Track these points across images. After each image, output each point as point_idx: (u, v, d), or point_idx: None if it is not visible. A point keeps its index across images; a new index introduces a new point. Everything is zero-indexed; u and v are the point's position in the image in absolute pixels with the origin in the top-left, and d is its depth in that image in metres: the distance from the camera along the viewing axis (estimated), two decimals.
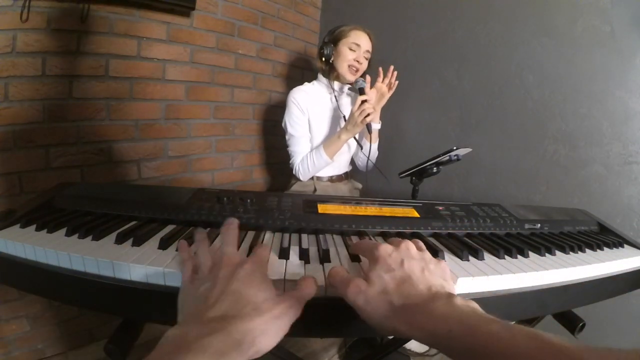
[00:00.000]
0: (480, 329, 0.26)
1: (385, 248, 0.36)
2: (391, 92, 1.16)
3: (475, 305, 0.29)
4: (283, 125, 1.22)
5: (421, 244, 0.40)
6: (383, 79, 1.14)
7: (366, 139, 1.21)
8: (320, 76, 1.24)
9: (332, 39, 1.18)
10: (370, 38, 1.18)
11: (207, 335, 0.26)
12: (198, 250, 0.38)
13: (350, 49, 1.15)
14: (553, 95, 1.15)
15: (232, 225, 0.41)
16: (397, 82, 1.15)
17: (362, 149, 1.23)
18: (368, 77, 1.10)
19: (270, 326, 0.29)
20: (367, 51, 1.17)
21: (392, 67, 1.14)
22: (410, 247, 0.37)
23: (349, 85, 1.24)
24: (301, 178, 1.20)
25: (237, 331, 0.27)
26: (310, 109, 1.20)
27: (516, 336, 0.24)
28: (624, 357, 0.19)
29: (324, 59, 1.18)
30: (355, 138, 1.19)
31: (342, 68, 1.16)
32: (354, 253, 0.43)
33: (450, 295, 0.31)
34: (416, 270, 0.34)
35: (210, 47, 1.38)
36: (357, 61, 1.15)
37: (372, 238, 0.52)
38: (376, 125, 1.21)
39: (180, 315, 0.33)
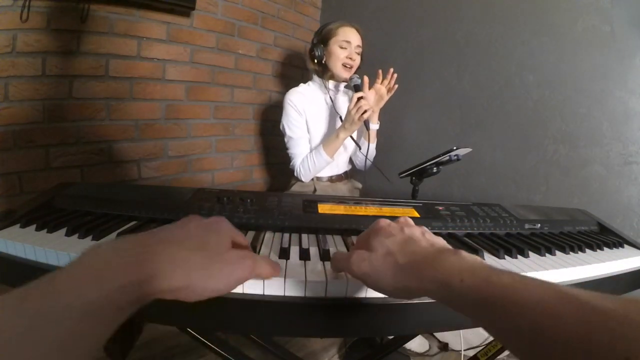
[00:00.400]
0: (493, 279, 0.25)
1: (384, 220, 0.37)
2: (390, 94, 1.16)
3: (482, 259, 0.29)
4: (281, 127, 1.22)
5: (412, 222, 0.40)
6: (382, 81, 1.13)
7: (364, 138, 1.21)
8: (314, 76, 1.24)
9: (321, 39, 1.17)
10: (358, 32, 1.17)
11: (145, 245, 0.26)
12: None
13: (341, 47, 1.14)
14: (553, 95, 1.15)
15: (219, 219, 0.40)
16: (396, 85, 1.15)
17: (360, 149, 1.23)
18: (366, 78, 1.10)
19: (213, 268, 0.28)
20: (358, 46, 1.17)
21: (391, 70, 1.13)
22: (408, 219, 0.37)
23: (345, 84, 1.24)
24: (303, 179, 1.20)
25: (170, 253, 0.27)
26: (307, 109, 1.20)
27: (529, 285, 0.23)
28: (635, 301, 0.19)
29: (316, 60, 1.17)
30: (352, 138, 1.19)
31: (336, 67, 1.16)
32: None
33: (455, 250, 0.30)
34: (417, 233, 0.34)
35: (210, 47, 1.38)
36: (350, 58, 1.14)
37: None
38: (374, 126, 1.21)
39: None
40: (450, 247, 0.32)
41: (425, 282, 0.28)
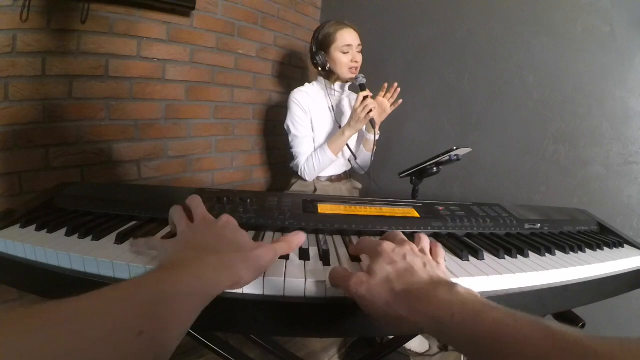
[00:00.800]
0: (483, 315, 0.25)
1: (389, 244, 0.37)
2: (393, 108, 1.14)
3: (477, 293, 0.29)
4: (286, 127, 1.22)
5: (426, 243, 0.40)
6: (385, 94, 1.12)
7: (364, 146, 1.22)
8: (319, 77, 1.24)
9: (321, 46, 1.16)
10: (355, 31, 1.16)
11: (204, 255, 0.32)
12: (172, 213, 0.41)
13: (344, 52, 1.13)
14: (553, 95, 1.15)
15: (194, 197, 0.43)
16: (400, 100, 1.14)
17: (356, 159, 1.24)
18: (369, 93, 1.09)
19: (251, 262, 0.34)
20: (359, 45, 1.16)
21: (395, 84, 1.12)
22: (413, 247, 0.38)
23: (349, 84, 1.24)
24: (307, 178, 1.20)
25: (226, 258, 0.32)
26: (312, 109, 1.20)
27: (519, 322, 0.24)
28: (626, 344, 0.19)
29: (320, 68, 1.18)
30: (349, 148, 1.21)
31: (343, 73, 1.15)
32: (355, 254, 0.43)
33: (452, 283, 0.31)
34: (418, 263, 0.34)
35: (210, 47, 1.38)
36: (355, 61, 1.14)
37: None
38: (374, 136, 1.21)
39: (166, 257, 0.35)
40: (447, 280, 0.33)
41: (417, 314, 0.29)
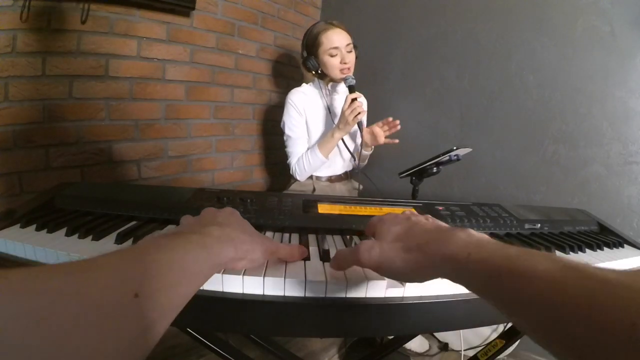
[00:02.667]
0: (498, 252, 0.26)
1: (391, 213, 0.39)
2: (386, 142, 1.14)
3: (489, 237, 0.30)
4: (281, 126, 1.23)
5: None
6: (383, 125, 1.12)
7: (356, 159, 1.23)
8: (315, 79, 1.24)
9: (310, 51, 1.15)
10: (343, 29, 1.13)
11: (209, 226, 0.33)
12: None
13: (332, 55, 1.11)
14: (553, 95, 1.15)
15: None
16: (396, 140, 1.13)
17: (354, 160, 1.25)
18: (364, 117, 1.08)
19: (255, 242, 0.36)
20: (348, 44, 1.12)
21: (397, 122, 1.10)
22: (413, 211, 0.40)
23: (343, 84, 1.24)
24: (298, 178, 1.21)
25: (230, 232, 0.34)
26: (307, 109, 1.20)
27: (535, 257, 0.24)
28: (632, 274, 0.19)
29: (313, 72, 1.18)
30: (348, 149, 1.21)
31: (334, 74, 1.14)
32: (368, 233, 0.43)
33: (464, 228, 0.31)
34: (422, 220, 0.35)
35: (210, 47, 1.38)
36: (344, 62, 1.12)
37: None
38: (367, 152, 1.23)
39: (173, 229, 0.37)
40: (457, 227, 0.33)
41: (435, 259, 0.29)
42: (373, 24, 1.62)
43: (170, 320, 0.24)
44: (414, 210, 0.40)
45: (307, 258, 0.42)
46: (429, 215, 0.37)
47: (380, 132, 1.12)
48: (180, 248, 0.27)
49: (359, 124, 1.07)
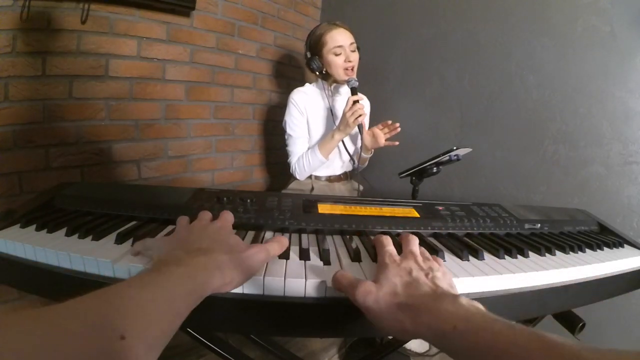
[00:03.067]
0: (484, 327, 0.26)
1: (395, 256, 0.39)
2: (386, 144, 1.14)
3: (480, 305, 0.30)
4: (283, 125, 1.23)
5: (427, 253, 0.41)
6: (383, 127, 1.12)
7: (355, 161, 1.23)
8: (318, 79, 1.24)
9: (314, 50, 1.16)
10: (347, 29, 1.14)
11: (194, 255, 0.32)
12: (178, 218, 0.43)
13: (336, 54, 1.12)
14: (553, 95, 1.15)
15: (205, 211, 0.46)
16: (397, 142, 1.14)
17: (354, 163, 1.25)
18: (365, 120, 1.08)
19: (242, 263, 0.35)
20: (352, 44, 1.13)
21: (397, 124, 1.11)
22: (417, 259, 0.39)
23: (346, 84, 1.24)
24: (298, 177, 1.22)
25: (216, 259, 0.33)
26: (309, 109, 1.20)
27: (517, 334, 0.24)
28: (624, 357, 0.19)
29: (317, 72, 1.18)
30: (347, 151, 1.21)
31: (338, 74, 1.14)
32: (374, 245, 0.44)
33: (455, 296, 0.31)
34: (422, 278, 0.35)
35: (210, 47, 1.38)
36: (348, 61, 1.12)
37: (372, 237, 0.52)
38: (366, 155, 1.23)
39: (158, 256, 0.36)
40: (451, 292, 0.33)
41: (420, 326, 0.30)
42: (373, 24, 1.62)
43: (157, 355, 0.24)
44: (426, 252, 0.40)
45: (307, 258, 0.42)
46: (433, 265, 0.37)
47: (381, 134, 1.13)
48: (165, 283, 0.27)
49: (360, 127, 1.07)
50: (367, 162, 1.29)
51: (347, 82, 1.11)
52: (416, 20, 1.49)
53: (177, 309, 0.27)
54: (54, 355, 0.18)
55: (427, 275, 0.35)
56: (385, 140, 1.14)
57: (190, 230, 0.39)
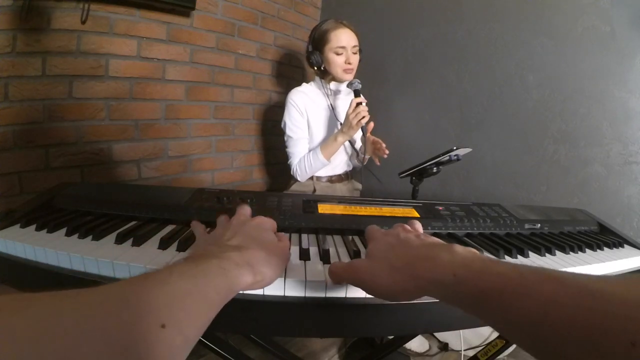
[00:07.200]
0: (486, 271, 0.25)
1: (381, 230, 0.40)
2: (374, 155, 1.15)
3: (476, 251, 0.29)
4: (282, 126, 1.22)
5: (419, 226, 0.41)
6: (375, 143, 1.12)
7: (359, 154, 1.23)
8: (316, 77, 1.24)
9: (316, 45, 1.16)
10: (352, 30, 1.14)
11: (227, 250, 0.32)
12: (218, 217, 0.43)
13: (337, 54, 1.12)
14: (553, 95, 1.15)
15: (244, 205, 0.45)
16: (386, 154, 1.12)
17: (358, 155, 1.24)
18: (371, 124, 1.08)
19: (274, 260, 0.35)
20: (354, 46, 1.13)
21: (387, 152, 1.10)
22: (404, 226, 0.39)
23: (346, 85, 1.24)
24: (299, 179, 1.21)
25: (249, 255, 0.33)
26: (308, 109, 1.20)
27: (524, 274, 0.23)
28: (629, 281, 0.19)
29: (315, 67, 1.17)
30: (353, 146, 1.21)
31: (337, 73, 1.15)
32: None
33: (450, 245, 0.30)
34: (412, 237, 0.35)
35: (210, 47, 1.38)
36: (348, 62, 1.12)
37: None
38: (367, 156, 1.22)
39: (193, 251, 0.37)
40: (444, 243, 0.33)
41: (420, 280, 0.29)
42: (373, 24, 1.61)
43: (190, 349, 0.24)
44: (406, 226, 0.39)
45: (307, 258, 0.42)
46: (421, 232, 0.37)
47: (371, 139, 1.13)
48: (202, 276, 0.27)
49: (363, 128, 1.07)
50: (366, 161, 1.29)
51: (350, 84, 1.10)
52: (416, 20, 1.49)
53: (211, 302, 0.26)
54: (93, 335, 0.17)
55: (417, 236, 0.35)
56: (374, 150, 1.14)
57: (227, 227, 0.39)
